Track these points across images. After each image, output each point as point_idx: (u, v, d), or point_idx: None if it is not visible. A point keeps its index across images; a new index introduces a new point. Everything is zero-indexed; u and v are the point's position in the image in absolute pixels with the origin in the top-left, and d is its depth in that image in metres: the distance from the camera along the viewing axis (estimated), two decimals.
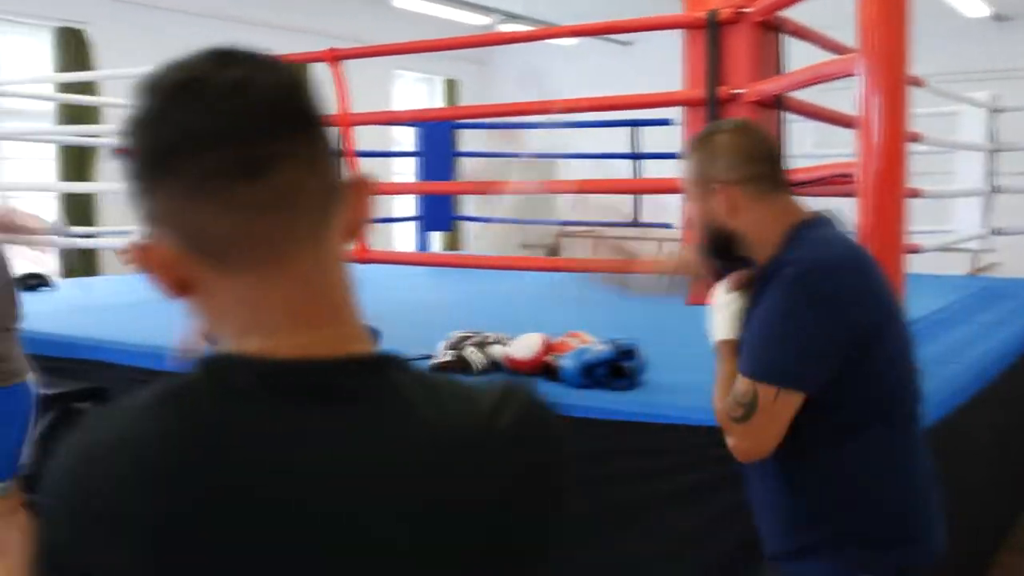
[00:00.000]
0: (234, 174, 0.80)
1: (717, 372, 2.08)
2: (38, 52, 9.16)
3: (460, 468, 0.83)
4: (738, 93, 3.97)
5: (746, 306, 2.05)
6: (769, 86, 3.98)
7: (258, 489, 0.78)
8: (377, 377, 0.85)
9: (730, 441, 1.97)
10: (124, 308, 6.11)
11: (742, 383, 1.92)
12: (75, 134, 8.66)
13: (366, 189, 0.89)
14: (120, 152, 0.85)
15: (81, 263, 8.95)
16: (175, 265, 0.84)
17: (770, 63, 4.14)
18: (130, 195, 0.86)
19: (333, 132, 0.89)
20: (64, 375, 4.63)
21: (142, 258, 0.85)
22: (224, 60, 0.83)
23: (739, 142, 2.06)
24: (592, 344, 3.74)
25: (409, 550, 0.80)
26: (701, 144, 2.11)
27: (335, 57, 4.67)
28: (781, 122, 4.14)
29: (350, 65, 5.05)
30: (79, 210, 9.09)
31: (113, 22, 9.39)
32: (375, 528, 0.80)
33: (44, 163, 9.17)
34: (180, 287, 0.85)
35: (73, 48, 9.17)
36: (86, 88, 8.80)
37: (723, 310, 2.12)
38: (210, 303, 0.86)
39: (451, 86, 13.13)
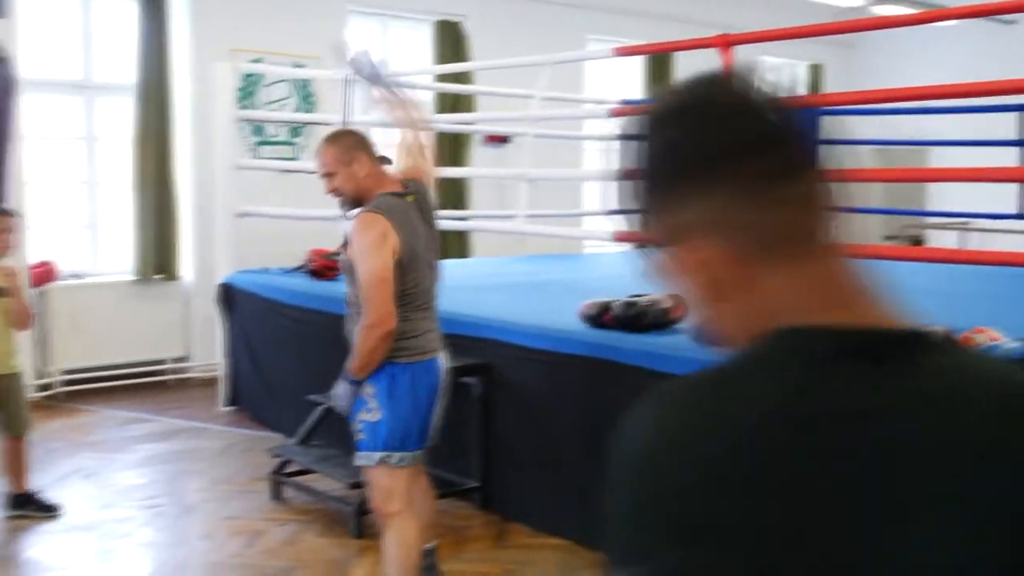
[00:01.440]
0: (783, 173, 0.92)
1: None
2: (420, 44, 9.69)
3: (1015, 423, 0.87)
4: None
5: None
6: None
7: (853, 442, 0.84)
8: (925, 344, 0.90)
9: None
10: (503, 289, 6.35)
11: None
12: (451, 122, 9.10)
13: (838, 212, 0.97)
14: (635, 177, 0.97)
15: (455, 245, 9.40)
16: (716, 263, 0.93)
17: None
18: (653, 211, 0.96)
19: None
20: (451, 351, 4.87)
21: (678, 263, 0.95)
22: (724, 82, 0.96)
23: None
24: (1001, 340, 3.53)
25: (978, 499, 0.83)
26: None
27: (727, 43, 4.61)
28: None
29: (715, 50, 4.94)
30: (454, 194, 9.55)
31: (487, 15, 9.78)
32: (956, 475, 0.84)
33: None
34: (714, 286, 0.94)
35: (451, 40, 9.63)
36: (461, 78, 9.22)
37: None
38: (746, 296, 0.94)
39: (815, 71, 12.73)
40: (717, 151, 0.92)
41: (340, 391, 3.72)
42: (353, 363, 3.64)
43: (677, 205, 0.94)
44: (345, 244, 7.04)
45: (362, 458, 3.73)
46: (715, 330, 0.99)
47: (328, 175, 3.75)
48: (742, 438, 0.85)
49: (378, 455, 3.69)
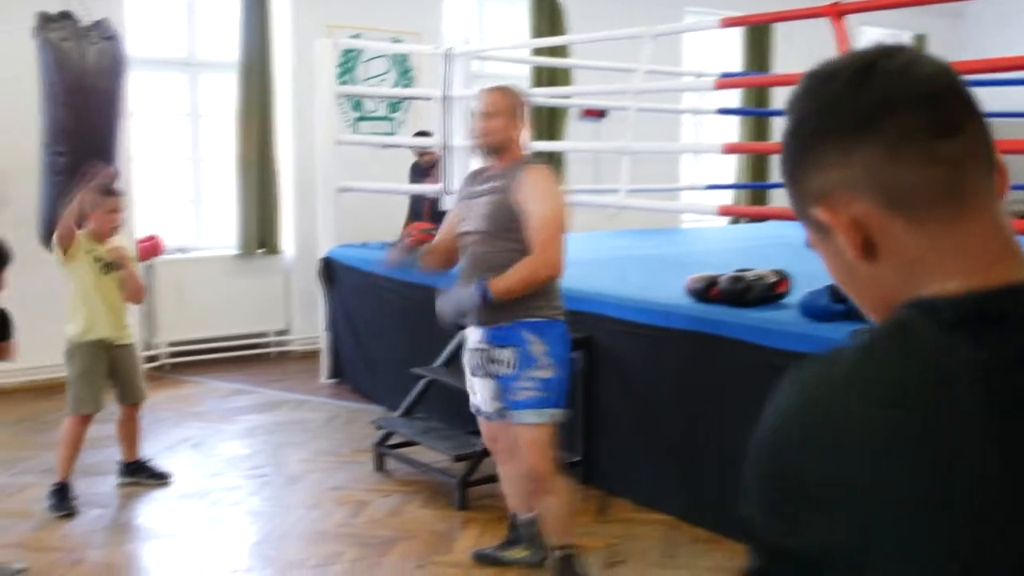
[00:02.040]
0: (934, 131, 0.91)
1: None
2: (517, 19, 9.66)
3: None
4: None
5: None
6: None
7: (996, 414, 0.83)
8: None
9: None
10: (604, 263, 6.31)
11: None
12: (547, 96, 9.05)
13: (1005, 171, 0.95)
14: (794, 137, 0.97)
15: None
16: (866, 223, 0.93)
17: None
18: (807, 170, 0.96)
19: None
20: None
21: (830, 223, 0.94)
22: (888, 50, 0.95)
23: None
24: None
25: None
26: None
27: (838, 12, 4.49)
28: None
29: (817, 21, 4.80)
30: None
31: None
32: None
33: None
34: (864, 246, 0.93)
35: (547, 14, 9.58)
36: (556, 52, 9.16)
37: None
38: (894, 257, 0.93)
39: (919, 41, 12.40)
40: (871, 108, 0.92)
41: (460, 297, 3.76)
42: (501, 283, 3.65)
43: (832, 162, 0.94)
44: (428, 213, 7.12)
45: (532, 415, 3.74)
46: (860, 299, 0.99)
47: (491, 115, 3.81)
48: (864, 417, 0.85)
49: (552, 412, 3.75)
